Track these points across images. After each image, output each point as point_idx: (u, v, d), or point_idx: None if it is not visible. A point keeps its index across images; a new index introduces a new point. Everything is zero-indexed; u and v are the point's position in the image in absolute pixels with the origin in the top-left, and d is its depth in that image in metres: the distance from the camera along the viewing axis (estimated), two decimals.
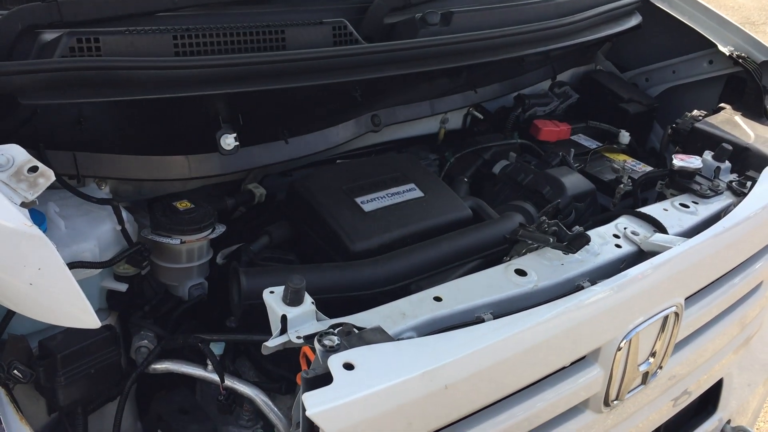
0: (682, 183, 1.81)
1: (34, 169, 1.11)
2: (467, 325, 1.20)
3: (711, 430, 1.95)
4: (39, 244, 1.00)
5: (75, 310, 1.03)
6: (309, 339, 1.11)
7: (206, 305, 1.62)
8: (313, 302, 1.18)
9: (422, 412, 1.08)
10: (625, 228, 1.58)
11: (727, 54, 2.28)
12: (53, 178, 1.12)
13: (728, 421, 2.00)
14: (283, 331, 1.15)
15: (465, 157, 2.18)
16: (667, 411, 1.71)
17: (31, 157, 1.13)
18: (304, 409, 0.97)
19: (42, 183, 1.10)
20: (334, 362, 1.02)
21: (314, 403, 0.96)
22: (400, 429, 1.05)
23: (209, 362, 1.39)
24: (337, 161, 2.07)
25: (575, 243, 1.43)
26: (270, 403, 1.37)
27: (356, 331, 1.12)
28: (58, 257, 1.01)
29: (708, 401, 1.95)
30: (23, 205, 1.07)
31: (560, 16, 2.01)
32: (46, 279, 1.01)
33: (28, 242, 1.00)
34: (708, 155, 1.88)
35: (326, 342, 1.07)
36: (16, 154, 1.12)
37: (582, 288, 1.36)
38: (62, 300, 1.03)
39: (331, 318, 1.19)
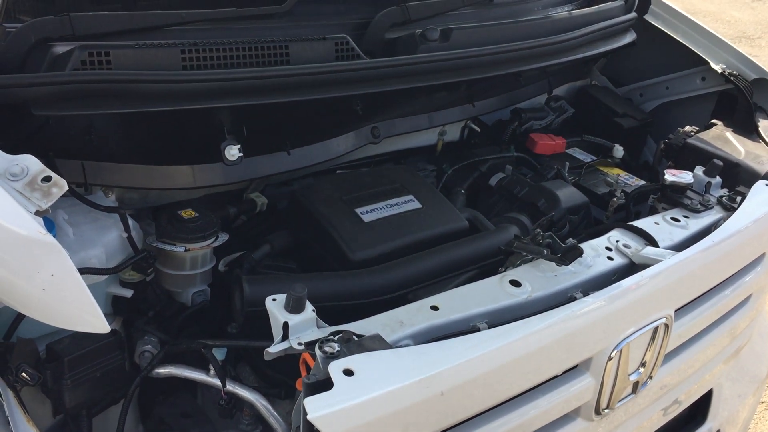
0: (674, 197, 1.83)
1: (47, 179, 1.13)
2: (463, 334, 1.23)
3: None
4: (53, 251, 1.03)
5: (86, 315, 1.06)
6: (310, 346, 1.14)
7: (208, 311, 1.65)
8: (314, 310, 1.21)
9: (418, 417, 1.11)
10: (617, 241, 1.61)
11: (720, 71, 2.32)
12: (66, 187, 1.15)
13: (718, 431, 2.04)
14: (285, 337, 1.18)
15: (462, 169, 2.21)
16: (657, 420, 1.73)
17: (44, 167, 1.16)
18: (305, 413, 1.00)
19: (55, 192, 1.12)
20: (335, 368, 1.05)
21: (315, 407, 1.00)
22: None
23: (211, 367, 1.42)
24: (337, 172, 2.11)
25: (569, 255, 1.46)
26: (270, 407, 1.40)
27: (356, 339, 1.15)
28: (70, 264, 1.04)
29: (698, 411, 1.98)
30: (37, 213, 1.10)
31: (557, 33, 2.04)
32: (59, 285, 1.04)
33: (42, 249, 1.03)
34: (699, 170, 1.91)
35: (327, 349, 1.11)
36: (31, 164, 1.14)
37: (574, 299, 1.39)
38: (74, 305, 1.05)
39: (330, 325, 1.22)
